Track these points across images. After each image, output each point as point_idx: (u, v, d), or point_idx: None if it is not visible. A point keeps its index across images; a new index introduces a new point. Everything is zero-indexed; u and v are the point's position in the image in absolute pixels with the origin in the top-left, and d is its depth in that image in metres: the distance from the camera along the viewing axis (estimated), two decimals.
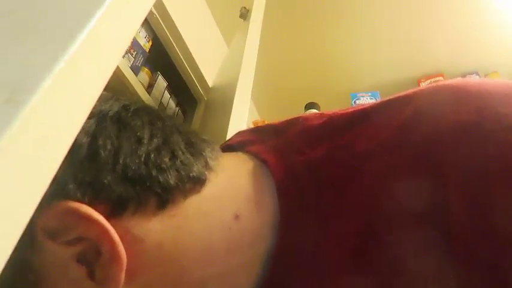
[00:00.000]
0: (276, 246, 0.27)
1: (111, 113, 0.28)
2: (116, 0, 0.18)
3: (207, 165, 0.29)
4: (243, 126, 0.91)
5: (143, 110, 0.30)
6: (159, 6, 1.20)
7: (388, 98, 0.31)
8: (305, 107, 1.62)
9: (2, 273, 0.11)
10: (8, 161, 0.12)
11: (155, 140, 0.28)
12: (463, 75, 1.71)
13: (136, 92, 1.10)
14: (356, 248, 0.25)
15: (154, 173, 0.26)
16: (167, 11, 1.21)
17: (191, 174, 0.28)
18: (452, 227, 0.23)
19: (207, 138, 0.32)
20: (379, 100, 0.32)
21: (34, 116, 0.13)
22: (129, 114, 0.28)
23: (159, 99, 1.27)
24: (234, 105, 0.96)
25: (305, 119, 0.33)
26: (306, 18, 1.61)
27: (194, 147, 0.29)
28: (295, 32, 1.66)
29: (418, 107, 0.28)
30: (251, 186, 0.29)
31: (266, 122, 0.91)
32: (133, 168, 0.26)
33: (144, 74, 1.21)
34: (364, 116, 0.30)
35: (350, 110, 0.32)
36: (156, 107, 0.34)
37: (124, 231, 0.25)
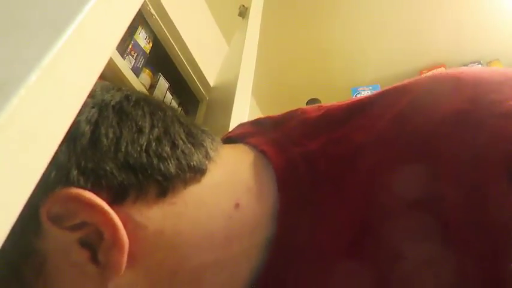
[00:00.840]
0: (274, 235, 0.27)
1: (113, 103, 0.28)
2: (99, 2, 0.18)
3: (207, 156, 0.30)
4: None
5: (144, 100, 0.30)
6: (158, 7, 1.20)
7: (384, 89, 0.31)
8: (306, 104, 1.62)
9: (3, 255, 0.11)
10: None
11: (156, 130, 0.28)
12: (465, 65, 1.70)
13: None
14: (352, 240, 0.25)
15: (155, 161, 0.27)
16: (166, 11, 1.22)
17: (191, 164, 0.28)
18: (448, 216, 0.23)
19: (207, 130, 0.32)
20: (376, 91, 0.32)
21: (22, 108, 0.13)
22: (131, 104, 0.29)
23: (162, 99, 1.28)
24: (234, 103, 0.96)
25: (303, 111, 0.33)
26: (305, 14, 1.61)
27: (195, 137, 0.30)
28: (294, 28, 1.66)
29: (412, 97, 0.28)
30: (251, 176, 0.30)
31: None
32: (134, 156, 0.26)
33: (146, 75, 1.22)
34: (360, 107, 0.31)
35: (348, 102, 0.32)
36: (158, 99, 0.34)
37: (126, 217, 0.25)
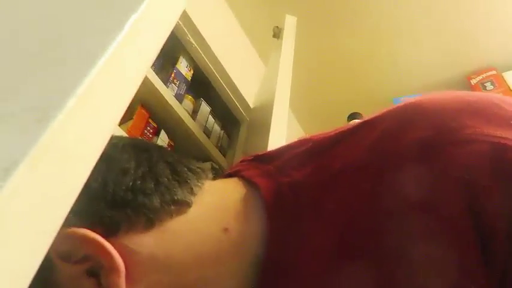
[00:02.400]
0: (263, 257, 0.31)
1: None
2: (128, 36, 0.20)
3: (191, 191, 0.33)
4: (283, 143, 0.92)
5: (130, 145, 0.35)
6: (197, 36, 1.27)
7: (363, 119, 0.36)
8: (347, 118, 1.60)
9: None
10: (38, 173, 0.14)
11: (141, 169, 0.32)
12: None
13: (182, 119, 1.17)
14: (332, 259, 0.29)
15: (140, 197, 0.31)
16: (204, 39, 1.28)
17: (175, 197, 0.32)
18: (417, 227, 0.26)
19: (194, 167, 0.36)
20: (355, 122, 0.37)
21: (61, 132, 0.15)
22: (118, 150, 0.33)
23: (204, 124, 1.33)
24: (272, 122, 0.98)
25: (295, 146, 0.38)
26: (338, 27, 1.61)
27: (179, 175, 0.34)
28: (329, 42, 1.66)
29: (384, 128, 0.32)
30: (240, 204, 0.33)
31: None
32: (121, 195, 0.30)
33: (188, 101, 1.28)
34: (341, 137, 0.35)
35: (332, 133, 0.36)
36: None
37: (121, 246, 0.29)
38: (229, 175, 0.39)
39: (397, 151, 0.29)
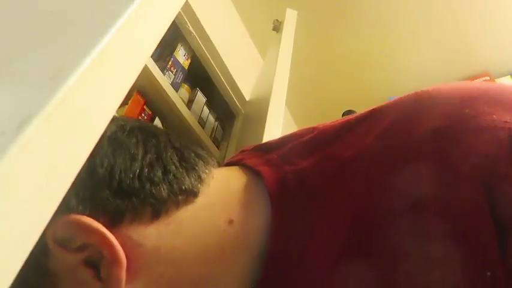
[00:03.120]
0: (268, 249, 0.29)
1: (108, 134, 0.31)
2: (141, 5, 0.20)
3: (199, 179, 0.32)
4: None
5: (138, 128, 0.33)
6: (196, 24, 1.26)
7: (371, 108, 0.34)
8: (342, 116, 1.61)
9: (23, 276, 0.13)
10: (53, 127, 0.14)
11: (149, 156, 0.31)
12: (510, 73, 1.62)
13: (177, 107, 1.16)
14: (341, 253, 0.27)
15: (147, 186, 0.29)
16: (204, 29, 1.27)
17: (183, 187, 0.31)
18: (429, 223, 0.25)
19: (201, 153, 0.35)
20: (362, 111, 0.34)
21: (74, 91, 0.15)
22: (125, 134, 0.32)
23: (199, 114, 1.32)
24: (268, 116, 0.98)
25: (299, 135, 0.36)
26: (338, 25, 1.61)
27: (187, 161, 0.32)
28: (328, 39, 1.66)
29: (394, 116, 0.30)
30: (245, 194, 0.32)
31: None
32: (127, 182, 0.29)
33: (184, 91, 1.27)
34: (349, 126, 0.33)
35: (337, 122, 0.35)
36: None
37: (124, 237, 0.28)
38: (230, 164, 0.38)
39: (410, 141, 0.28)
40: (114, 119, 0.33)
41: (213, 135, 1.40)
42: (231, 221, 0.30)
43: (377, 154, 0.29)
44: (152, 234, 0.29)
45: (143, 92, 1.09)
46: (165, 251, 0.29)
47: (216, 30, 1.35)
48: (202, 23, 1.26)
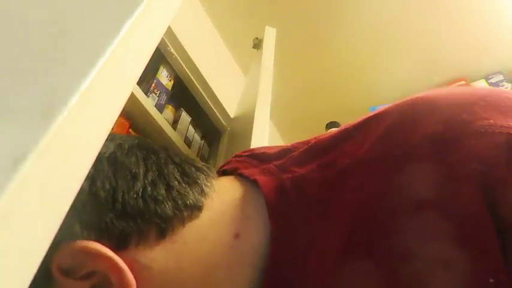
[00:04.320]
0: (269, 260, 0.29)
1: (106, 155, 0.31)
2: (126, 36, 0.21)
3: (202, 192, 0.32)
4: None
5: (137, 146, 0.33)
6: (177, 45, 1.28)
7: (367, 115, 0.34)
8: (326, 127, 1.64)
9: None
10: (45, 164, 0.15)
11: (150, 174, 0.30)
12: (486, 77, 1.68)
13: (163, 128, 1.16)
14: (342, 260, 0.27)
15: (151, 205, 0.29)
16: (185, 50, 1.29)
17: (188, 202, 0.30)
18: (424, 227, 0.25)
19: (201, 166, 0.34)
20: (359, 119, 0.34)
21: (66, 127, 0.16)
22: (124, 153, 0.31)
23: (184, 133, 1.33)
24: (253, 131, 0.99)
25: (297, 146, 0.36)
26: (317, 39, 1.65)
27: (189, 176, 0.32)
28: (308, 53, 1.70)
29: (390, 123, 0.30)
30: (245, 206, 0.31)
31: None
32: (131, 204, 0.28)
33: (169, 111, 1.28)
34: (346, 135, 0.33)
35: (335, 132, 0.35)
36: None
37: (131, 261, 0.27)
38: (225, 171, 0.37)
39: (408, 147, 0.27)
40: (111, 138, 0.32)
41: (199, 154, 1.40)
42: (237, 235, 0.30)
43: (375, 161, 0.29)
44: (159, 256, 0.28)
45: (128, 115, 1.09)
46: (172, 273, 0.28)
47: (197, 50, 1.37)
48: (183, 44, 1.28)
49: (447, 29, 1.60)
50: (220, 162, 1.43)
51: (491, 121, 0.26)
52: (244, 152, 0.39)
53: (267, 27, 1.22)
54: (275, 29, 1.23)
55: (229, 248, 0.29)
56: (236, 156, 0.39)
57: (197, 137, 1.42)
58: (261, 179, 0.32)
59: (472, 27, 1.59)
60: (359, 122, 0.33)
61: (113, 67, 0.20)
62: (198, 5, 1.56)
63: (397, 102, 0.33)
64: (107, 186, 0.28)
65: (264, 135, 1.00)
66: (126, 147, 0.32)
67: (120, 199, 0.28)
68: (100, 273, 0.27)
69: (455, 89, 0.31)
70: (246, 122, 1.13)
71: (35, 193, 0.14)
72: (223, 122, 1.53)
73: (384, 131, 0.30)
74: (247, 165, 0.36)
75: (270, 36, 1.20)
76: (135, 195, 0.29)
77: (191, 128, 1.38)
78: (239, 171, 0.35)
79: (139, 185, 0.29)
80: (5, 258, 0.13)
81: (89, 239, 0.27)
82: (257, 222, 0.30)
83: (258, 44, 1.24)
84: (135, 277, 0.27)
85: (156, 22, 0.25)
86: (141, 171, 0.30)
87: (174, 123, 1.29)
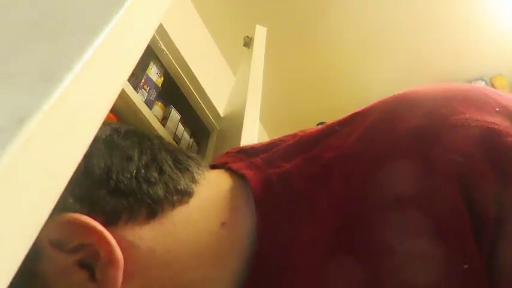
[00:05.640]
0: (255, 251, 0.30)
1: (103, 136, 0.31)
2: (131, 7, 0.21)
3: (193, 179, 0.32)
4: None
5: (132, 132, 0.33)
6: (168, 42, 1.27)
7: (352, 112, 0.35)
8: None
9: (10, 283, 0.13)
10: (48, 128, 0.15)
11: (144, 157, 0.31)
12: (469, 82, 1.72)
13: (152, 125, 1.15)
14: (327, 252, 0.28)
15: (144, 186, 0.29)
16: (176, 47, 1.28)
17: (178, 187, 0.31)
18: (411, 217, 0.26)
19: (193, 155, 0.35)
20: (344, 115, 0.36)
21: (68, 92, 0.16)
22: (120, 136, 0.32)
23: (174, 131, 1.32)
24: (243, 131, 0.99)
25: (283, 140, 0.37)
26: (307, 40, 1.67)
27: (181, 163, 0.33)
28: (298, 54, 1.71)
29: (373, 118, 0.31)
30: (233, 197, 0.32)
31: None
32: (125, 182, 0.29)
33: (158, 108, 1.26)
34: (330, 130, 0.34)
35: (321, 127, 0.36)
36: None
37: (119, 238, 0.27)
38: (214, 166, 0.38)
39: (391, 140, 0.29)
40: (108, 123, 0.33)
41: None
42: (223, 224, 0.31)
43: (359, 154, 0.30)
44: (147, 236, 0.29)
45: (116, 110, 1.08)
46: (159, 254, 0.29)
47: (188, 47, 1.36)
48: (173, 41, 1.27)
49: (432, 36, 1.64)
50: (209, 161, 1.42)
51: (467, 115, 0.27)
52: (234, 149, 0.40)
53: (257, 26, 1.22)
54: (266, 28, 1.24)
55: (214, 235, 0.30)
56: (226, 153, 0.40)
57: (186, 135, 1.41)
58: (248, 173, 0.33)
59: (456, 35, 1.63)
60: (343, 118, 0.35)
61: (117, 37, 0.19)
62: (188, 2, 1.56)
63: (380, 99, 0.34)
64: (102, 165, 0.29)
65: (254, 135, 1.00)
66: (123, 131, 0.33)
67: (114, 177, 0.29)
68: (88, 247, 0.27)
69: (436, 86, 0.33)
70: (235, 121, 1.13)
71: (38, 155, 0.14)
72: (213, 121, 1.53)
73: (367, 126, 0.31)
74: (235, 159, 0.37)
75: (260, 35, 1.20)
76: (128, 175, 0.29)
77: (180, 126, 1.37)
78: (228, 165, 0.36)
79: (133, 166, 0.30)
80: (6, 219, 0.13)
81: (81, 212, 0.27)
82: (244, 213, 0.31)
83: (248, 43, 1.25)
84: (122, 255, 0.27)
85: None
86: (136, 154, 0.31)
87: (163, 120, 1.28)
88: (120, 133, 0.32)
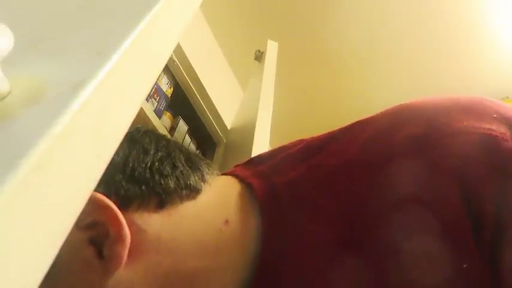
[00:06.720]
0: (260, 254, 0.31)
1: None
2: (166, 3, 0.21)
3: (203, 178, 0.35)
4: None
5: (151, 132, 0.37)
6: (180, 54, 1.29)
7: (353, 122, 0.37)
8: None
9: None
10: (101, 94, 0.15)
11: (160, 153, 0.34)
12: None
13: None
14: (333, 253, 0.29)
15: (157, 177, 0.32)
16: (187, 58, 1.30)
17: (188, 183, 0.33)
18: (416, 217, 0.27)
19: (205, 159, 0.38)
20: (346, 124, 0.38)
21: (119, 65, 0.16)
22: (140, 134, 0.35)
23: (181, 142, 1.32)
24: (254, 144, 0.98)
25: (288, 147, 0.39)
26: (320, 55, 1.69)
27: (193, 162, 0.35)
28: (310, 69, 1.73)
29: (375, 127, 0.33)
30: (239, 200, 0.34)
31: None
32: (139, 171, 0.31)
33: (167, 118, 1.27)
34: (333, 137, 0.36)
35: (323, 134, 0.38)
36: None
37: (129, 221, 0.29)
38: (224, 174, 0.39)
39: (391, 148, 0.30)
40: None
41: None
42: (226, 222, 0.32)
43: (363, 160, 0.31)
44: (155, 222, 0.30)
45: None
46: (165, 241, 0.30)
47: (198, 60, 1.38)
48: (185, 53, 1.29)
49: (439, 57, 1.66)
50: None
51: (464, 123, 0.29)
52: (243, 161, 0.41)
53: (269, 41, 1.24)
54: (277, 43, 1.26)
55: (217, 230, 0.32)
56: (236, 165, 0.42)
57: (192, 147, 1.42)
58: (255, 182, 0.34)
59: (462, 56, 1.65)
60: (345, 127, 0.37)
61: (157, 23, 0.20)
62: (200, 16, 1.59)
63: (382, 110, 0.36)
64: (121, 154, 0.32)
65: (265, 149, 1.00)
66: (142, 130, 0.36)
67: (130, 165, 0.31)
68: (100, 225, 0.28)
69: (436, 97, 0.35)
70: (245, 135, 1.13)
71: (91, 119, 0.14)
72: (220, 134, 1.53)
73: (371, 133, 0.33)
74: (242, 169, 0.39)
75: (272, 49, 1.22)
76: (143, 165, 0.32)
77: (187, 138, 1.38)
78: (235, 173, 0.38)
79: (148, 159, 0.32)
80: (61, 179, 0.13)
81: (97, 191, 0.28)
82: (249, 215, 0.33)
83: (259, 57, 1.26)
84: (130, 237, 0.28)
85: None
86: (152, 149, 0.33)
87: (171, 131, 1.29)
88: (140, 131, 0.35)
